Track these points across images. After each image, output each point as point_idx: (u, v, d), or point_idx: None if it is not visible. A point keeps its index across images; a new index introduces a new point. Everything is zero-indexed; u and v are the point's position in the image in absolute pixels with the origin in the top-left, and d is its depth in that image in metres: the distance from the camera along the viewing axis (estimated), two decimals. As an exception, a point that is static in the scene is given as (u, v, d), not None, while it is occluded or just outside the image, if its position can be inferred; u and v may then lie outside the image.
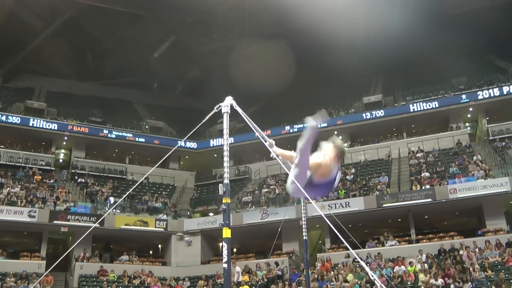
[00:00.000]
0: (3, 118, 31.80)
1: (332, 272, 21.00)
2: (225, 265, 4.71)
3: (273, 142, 5.58)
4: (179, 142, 32.14)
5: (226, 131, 5.08)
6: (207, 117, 5.74)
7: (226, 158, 5.01)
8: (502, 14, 34.73)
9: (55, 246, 27.43)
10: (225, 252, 4.72)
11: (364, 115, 34.07)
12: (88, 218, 25.72)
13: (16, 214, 24.26)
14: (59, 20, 36.56)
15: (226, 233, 4.74)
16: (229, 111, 5.18)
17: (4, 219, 23.85)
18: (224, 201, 4.81)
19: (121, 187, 31.63)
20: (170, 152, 8.81)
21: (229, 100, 5.21)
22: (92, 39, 39.39)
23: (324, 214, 7.16)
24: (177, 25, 38.72)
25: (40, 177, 29.67)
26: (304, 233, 9.18)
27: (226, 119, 5.13)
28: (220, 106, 5.25)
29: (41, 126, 32.76)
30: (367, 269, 5.01)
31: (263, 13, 34.89)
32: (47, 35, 37.01)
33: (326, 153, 4.84)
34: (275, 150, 5.41)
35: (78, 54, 39.76)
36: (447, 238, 22.87)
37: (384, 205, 24.08)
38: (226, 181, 4.86)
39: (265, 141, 5.56)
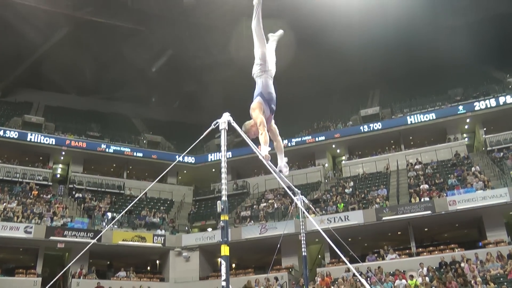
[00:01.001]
0: (1, 132, 31.78)
1: (332, 287, 20.83)
2: (223, 283, 4.63)
3: (269, 156, 5.71)
4: (177, 156, 32.12)
5: (223, 147, 5.03)
6: (204, 134, 5.70)
7: (224, 175, 4.94)
8: (497, 26, 34.96)
9: (52, 263, 27.09)
10: (223, 269, 4.63)
11: (361, 127, 34.09)
12: (85, 233, 25.51)
13: (12, 230, 24.03)
14: (57, 35, 36.66)
15: (225, 250, 4.65)
16: (227, 127, 5.14)
17: (0, 235, 23.62)
18: (222, 218, 4.73)
19: (118, 202, 31.47)
20: (169, 168, 8.73)
21: (226, 116, 5.18)
22: (90, 54, 39.46)
23: (323, 228, 7.07)
24: (174, 40, 38.80)
25: (37, 192, 29.50)
26: (303, 248, 9.07)
27: (223, 136, 5.07)
28: (217, 122, 5.21)
29: (38, 140, 32.71)
30: (366, 285, 4.93)
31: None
32: (45, 50, 37.10)
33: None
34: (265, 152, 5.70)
35: (76, 69, 39.77)
36: (447, 251, 22.68)
37: (383, 218, 23.96)
38: (224, 198, 4.79)
39: (260, 155, 5.72)
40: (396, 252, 23.59)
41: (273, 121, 6.27)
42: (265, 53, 6.20)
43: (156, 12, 36.02)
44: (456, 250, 22.54)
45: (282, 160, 6.42)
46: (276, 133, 6.35)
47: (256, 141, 5.88)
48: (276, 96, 6.17)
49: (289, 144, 34.84)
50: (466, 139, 33.29)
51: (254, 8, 6.21)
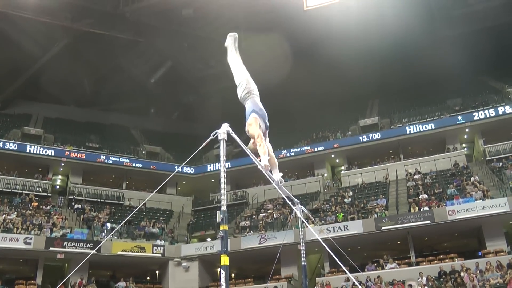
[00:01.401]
0: (0, 144, 31.83)
1: (331, 297, 20.81)
2: (223, 293, 4.66)
3: (269, 166, 5.80)
4: (176, 167, 32.13)
5: (223, 158, 5.09)
6: (203, 144, 5.77)
7: (223, 185, 5.00)
8: (495, 36, 35.10)
9: (51, 273, 27.03)
10: (223, 279, 4.67)
11: (360, 137, 34.18)
12: (85, 244, 25.48)
13: (12, 241, 24.02)
14: (56, 47, 36.74)
15: (224, 260, 4.69)
16: (226, 138, 5.20)
17: (0, 246, 23.62)
18: (221, 228, 4.78)
19: (118, 212, 31.46)
20: (168, 178, 8.80)
21: (225, 127, 5.24)
22: (89, 65, 39.53)
23: (322, 238, 7.11)
24: (173, 51, 38.93)
25: (36, 204, 29.50)
26: (302, 257, 9.09)
27: (222, 146, 5.14)
28: (216, 133, 5.28)
29: (38, 152, 32.76)
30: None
31: (259, 39, 35.14)
32: (44, 62, 37.15)
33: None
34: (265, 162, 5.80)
35: (75, 80, 39.85)
36: (447, 260, 22.67)
37: (382, 228, 23.96)
38: (223, 208, 4.84)
39: (259, 165, 5.80)
40: (396, 262, 23.57)
41: (267, 138, 6.40)
42: (246, 78, 6.55)
43: (154, 23, 36.16)
44: (456, 259, 22.52)
45: (277, 175, 6.53)
46: (270, 149, 6.47)
47: (255, 152, 5.95)
48: (267, 114, 6.34)
49: (288, 154, 34.93)
50: (465, 149, 33.36)
51: (228, 48, 6.95)
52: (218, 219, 4.79)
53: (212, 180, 35.35)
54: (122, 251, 26.31)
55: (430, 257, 24.06)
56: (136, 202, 31.91)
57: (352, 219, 25.64)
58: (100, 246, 24.28)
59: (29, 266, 26.71)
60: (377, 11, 32.38)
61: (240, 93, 6.51)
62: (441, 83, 37.39)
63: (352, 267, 15.31)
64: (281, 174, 6.58)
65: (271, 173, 6.51)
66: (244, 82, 6.50)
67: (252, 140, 6.03)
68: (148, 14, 35.35)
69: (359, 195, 29.88)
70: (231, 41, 7.13)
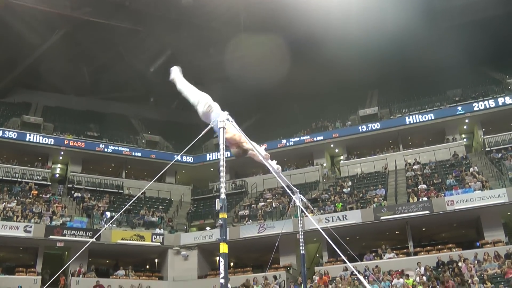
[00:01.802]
0: (0, 133, 31.79)
1: (330, 286, 20.89)
2: (222, 281, 4.69)
3: (269, 155, 5.81)
4: (175, 156, 32.14)
5: (222, 146, 5.09)
6: (203, 132, 5.77)
7: (222, 174, 5.01)
8: (496, 26, 35.03)
9: (51, 262, 27.14)
10: (222, 267, 4.69)
11: (360, 127, 34.15)
12: (84, 232, 25.58)
13: (12, 229, 24.14)
14: (55, 35, 36.65)
15: (223, 248, 4.71)
16: (225, 126, 5.20)
17: (0, 234, 23.71)
18: (221, 216, 4.79)
19: (117, 201, 31.54)
20: (167, 167, 8.80)
21: (224, 116, 5.24)
22: (88, 54, 39.49)
23: (321, 227, 7.14)
24: (173, 40, 38.82)
25: (36, 192, 29.56)
26: (301, 247, 9.13)
27: (222, 135, 5.13)
28: (216, 121, 5.28)
29: (37, 141, 32.76)
30: (364, 283, 4.99)
31: (259, 27, 35.04)
32: (43, 50, 37.06)
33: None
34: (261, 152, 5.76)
35: (75, 69, 39.78)
36: (445, 250, 22.74)
37: (381, 218, 24.03)
38: (222, 196, 4.85)
39: (261, 155, 5.77)
40: (394, 252, 23.66)
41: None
42: (201, 94, 6.60)
43: (154, 12, 36.06)
44: (454, 249, 22.62)
45: (274, 164, 6.45)
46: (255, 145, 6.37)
47: (240, 154, 5.92)
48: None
49: (288, 144, 34.96)
50: (465, 139, 33.35)
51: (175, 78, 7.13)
52: (217, 207, 4.80)
53: (211, 169, 35.37)
54: (122, 239, 26.39)
55: (428, 247, 24.12)
56: (135, 191, 31.98)
57: (351, 208, 25.70)
58: (100, 234, 24.37)
59: (29, 254, 26.83)
60: (377, 2, 32.31)
61: (201, 109, 6.29)
62: (441, 73, 37.33)
63: (350, 256, 15.33)
64: (275, 161, 6.57)
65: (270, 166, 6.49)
66: (202, 98, 6.40)
67: (234, 148, 5.82)
68: (148, 2, 35.29)
69: (358, 185, 29.94)
70: (176, 71, 7.31)
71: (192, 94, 6.72)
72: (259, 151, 5.87)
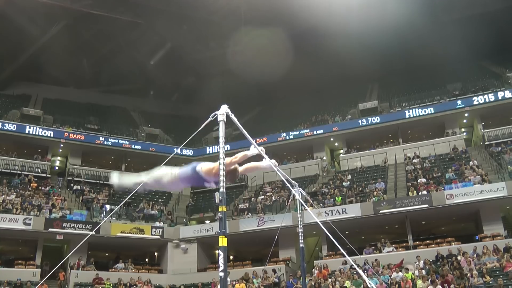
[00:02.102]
0: (-1, 125, 31.79)
1: (329, 279, 20.91)
2: (221, 274, 4.68)
3: (263, 149, 5.90)
4: (175, 149, 32.06)
5: (222, 139, 5.08)
6: (202, 126, 5.76)
7: (222, 167, 5.00)
8: (496, 21, 34.96)
9: (51, 254, 27.18)
10: (221, 260, 4.69)
11: (360, 121, 34.10)
12: (84, 225, 25.58)
13: (11, 222, 24.12)
14: (55, 28, 36.57)
15: (223, 241, 4.71)
16: (225, 119, 5.19)
17: (-1, 226, 23.72)
18: (220, 209, 4.79)
19: (117, 194, 31.51)
20: (167, 160, 8.77)
21: (224, 109, 5.23)
22: (88, 47, 39.43)
23: (320, 221, 7.13)
24: (173, 33, 38.75)
25: (35, 185, 29.57)
26: (300, 240, 9.14)
27: (222, 128, 5.13)
28: (215, 114, 5.26)
29: (37, 133, 32.71)
30: (364, 276, 4.99)
31: (259, 21, 34.97)
32: (43, 42, 37.00)
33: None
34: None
35: (75, 62, 39.73)
36: (444, 244, 22.78)
37: (381, 211, 24.05)
38: (222, 189, 4.85)
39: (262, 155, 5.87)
40: (393, 245, 23.68)
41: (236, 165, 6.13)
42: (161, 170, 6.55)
43: (154, 5, 35.98)
44: (453, 243, 22.65)
45: (268, 160, 6.39)
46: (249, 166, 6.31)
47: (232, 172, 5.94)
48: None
49: (287, 138, 34.94)
50: (464, 133, 33.33)
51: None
52: (217, 200, 4.80)
53: (211, 163, 35.29)
54: (121, 232, 26.39)
55: (428, 241, 24.15)
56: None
57: (351, 202, 25.72)
58: (99, 227, 24.36)
59: (28, 246, 26.85)
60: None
61: (166, 179, 6.51)
62: (441, 67, 37.31)
63: (350, 250, 15.37)
64: (267, 157, 6.53)
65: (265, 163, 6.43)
66: (161, 172, 6.61)
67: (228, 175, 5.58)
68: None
69: (358, 179, 29.95)
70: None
71: (155, 176, 6.77)
72: (247, 152, 5.90)
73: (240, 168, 5.86)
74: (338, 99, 39.61)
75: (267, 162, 6.24)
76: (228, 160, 5.58)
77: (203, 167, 5.85)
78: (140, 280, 24.26)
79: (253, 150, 5.90)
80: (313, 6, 32.46)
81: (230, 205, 29.81)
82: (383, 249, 23.44)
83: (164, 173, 6.39)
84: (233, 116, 5.28)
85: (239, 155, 5.71)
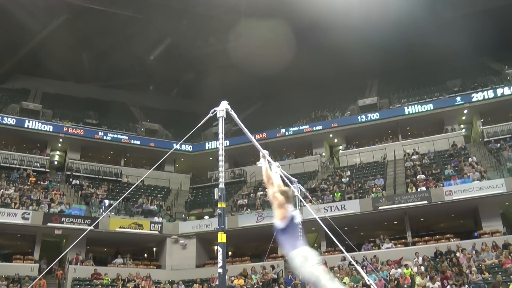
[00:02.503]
0: (-2, 119, 31.75)
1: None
2: (220, 270, 4.67)
3: (267, 153, 5.90)
4: (174, 144, 32.10)
5: (221, 135, 5.07)
6: (202, 121, 5.74)
7: (221, 163, 4.98)
8: (496, 17, 34.92)
9: (49, 249, 27.18)
10: (220, 256, 4.68)
11: (359, 117, 34.12)
12: (83, 220, 25.57)
13: (10, 216, 24.10)
14: (55, 22, 36.50)
15: (221, 237, 4.70)
16: (225, 115, 5.17)
17: (-2, 221, 23.68)
18: (219, 205, 4.78)
19: (116, 189, 31.53)
20: (166, 155, 8.78)
21: (224, 105, 5.22)
22: (88, 41, 39.34)
23: (319, 217, 7.12)
24: (173, 28, 38.68)
25: (34, 179, 29.52)
26: (299, 236, 9.14)
27: (221, 124, 5.11)
28: (215, 110, 5.25)
29: (36, 127, 32.67)
30: (362, 273, 4.98)
31: (260, 15, 34.90)
32: (43, 37, 36.95)
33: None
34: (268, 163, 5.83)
35: (74, 56, 39.69)
36: (443, 240, 22.80)
37: (380, 208, 24.04)
38: (221, 185, 4.83)
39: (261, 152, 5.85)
40: (392, 242, 23.69)
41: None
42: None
43: (154, 0, 35.88)
44: (452, 240, 22.66)
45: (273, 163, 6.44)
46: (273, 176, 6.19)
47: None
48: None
49: (287, 133, 34.94)
50: (464, 130, 33.36)
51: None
52: (216, 196, 4.79)
53: (210, 158, 35.33)
54: (120, 227, 26.38)
55: (426, 237, 24.21)
56: (134, 179, 31.97)
57: (350, 198, 25.73)
58: (98, 222, 24.32)
59: (27, 241, 26.82)
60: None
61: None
62: (441, 64, 37.29)
63: (348, 246, 15.38)
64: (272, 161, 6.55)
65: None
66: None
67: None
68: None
69: (357, 175, 29.94)
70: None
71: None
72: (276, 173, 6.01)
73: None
74: (338, 95, 39.58)
75: (274, 167, 6.30)
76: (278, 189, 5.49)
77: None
78: (139, 275, 24.29)
79: (275, 169, 5.97)
80: (314, 1, 32.38)
81: (229, 200, 29.80)
82: (382, 245, 23.45)
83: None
84: (232, 113, 5.27)
85: (279, 178, 5.76)
